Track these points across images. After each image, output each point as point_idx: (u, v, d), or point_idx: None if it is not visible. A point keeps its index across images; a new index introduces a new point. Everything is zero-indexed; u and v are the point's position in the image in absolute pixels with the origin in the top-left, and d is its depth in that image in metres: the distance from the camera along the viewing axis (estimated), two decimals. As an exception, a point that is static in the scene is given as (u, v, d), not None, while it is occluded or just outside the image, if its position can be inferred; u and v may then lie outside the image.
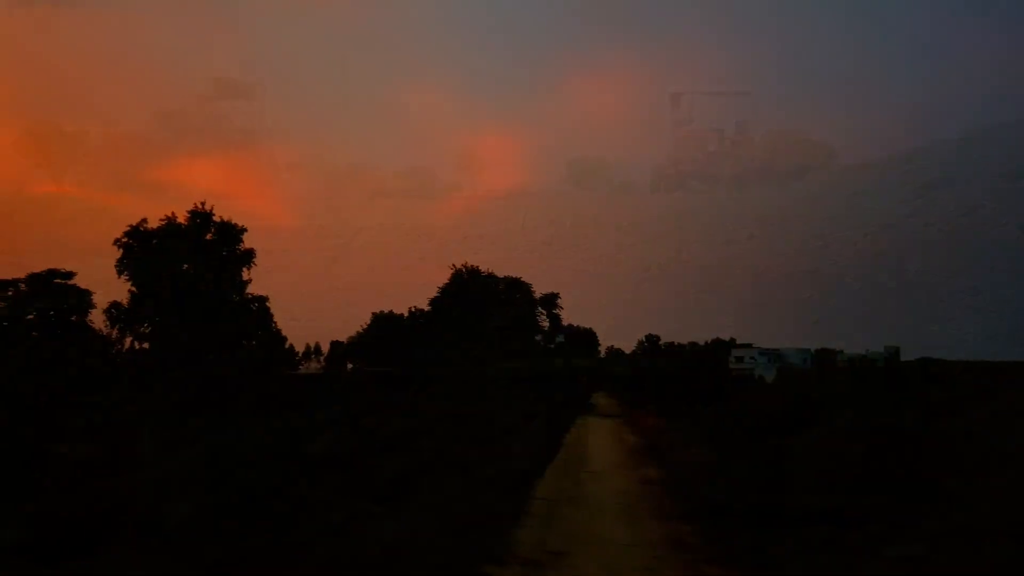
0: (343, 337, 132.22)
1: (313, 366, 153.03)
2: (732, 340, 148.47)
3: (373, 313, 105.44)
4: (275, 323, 57.78)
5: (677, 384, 51.34)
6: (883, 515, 12.02)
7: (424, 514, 13.08)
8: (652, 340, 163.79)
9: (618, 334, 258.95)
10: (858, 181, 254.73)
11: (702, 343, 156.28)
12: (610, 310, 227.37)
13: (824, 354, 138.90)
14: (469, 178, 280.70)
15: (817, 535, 11.44)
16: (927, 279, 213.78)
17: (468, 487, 15.89)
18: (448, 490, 15.35)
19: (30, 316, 59.37)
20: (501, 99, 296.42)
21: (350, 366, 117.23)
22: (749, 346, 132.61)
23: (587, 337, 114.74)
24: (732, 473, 16.73)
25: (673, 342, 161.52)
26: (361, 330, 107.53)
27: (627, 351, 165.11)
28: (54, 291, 59.67)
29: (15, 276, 60.06)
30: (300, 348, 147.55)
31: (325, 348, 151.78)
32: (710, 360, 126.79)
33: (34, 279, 59.71)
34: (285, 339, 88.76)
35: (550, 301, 74.41)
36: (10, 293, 59.84)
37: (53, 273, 60.43)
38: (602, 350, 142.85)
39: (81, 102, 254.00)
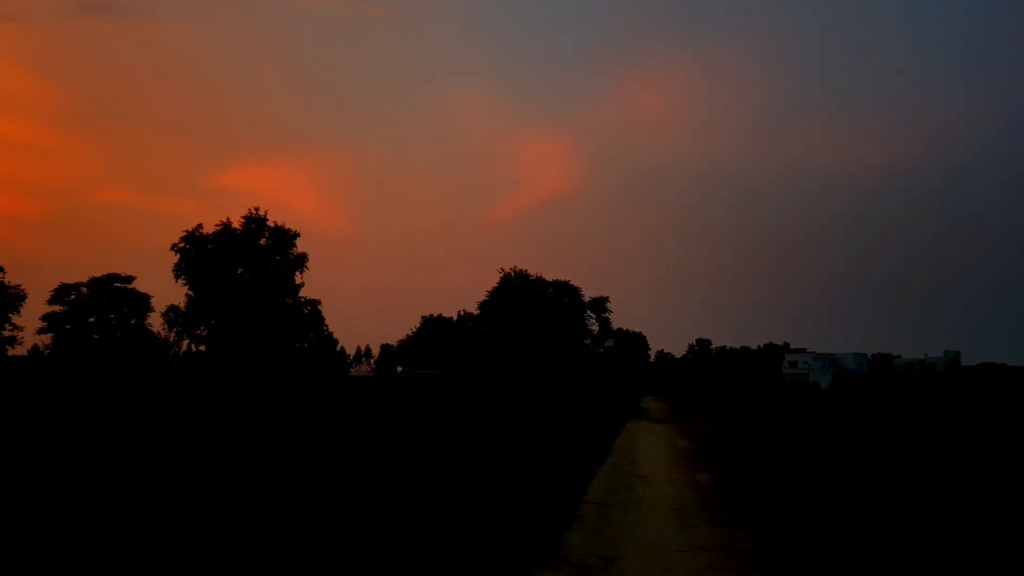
0: (393, 340, 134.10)
1: (364, 368, 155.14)
2: (786, 344, 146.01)
3: (422, 316, 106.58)
4: (327, 326, 58.65)
5: (728, 389, 50.58)
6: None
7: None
8: (703, 344, 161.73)
9: (668, 338, 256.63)
10: (918, 182, 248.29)
11: (755, 347, 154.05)
12: (661, 314, 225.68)
13: (881, 359, 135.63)
14: (518, 182, 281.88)
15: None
16: (992, 282, 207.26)
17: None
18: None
19: (91, 320, 61.38)
20: (550, 103, 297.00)
21: (400, 369, 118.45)
22: (803, 351, 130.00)
23: (637, 341, 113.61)
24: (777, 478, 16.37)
25: (725, 346, 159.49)
26: (410, 333, 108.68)
27: (677, 355, 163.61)
28: (115, 295, 61.58)
29: (77, 280, 62.28)
30: (351, 351, 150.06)
31: (375, 351, 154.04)
32: (762, 365, 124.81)
33: (95, 283, 61.73)
34: (336, 342, 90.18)
35: (599, 304, 73.75)
36: (72, 297, 61.95)
37: (113, 277, 62.35)
38: (652, 354, 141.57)
39: (140, 110, 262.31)
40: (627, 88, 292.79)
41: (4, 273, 61.81)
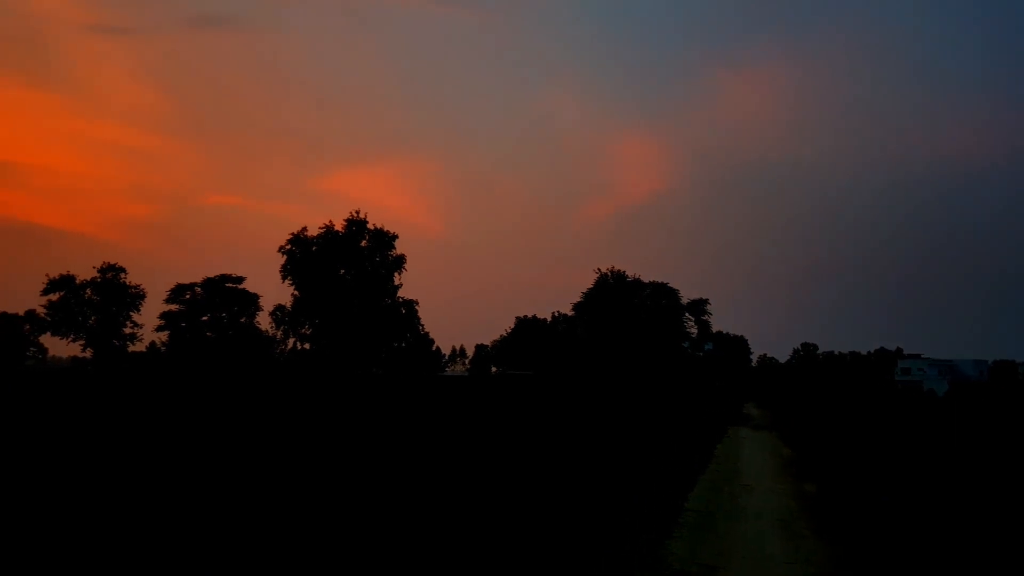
0: (487, 340, 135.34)
1: (459, 368, 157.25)
2: (898, 350, 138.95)
3: (517, 317, 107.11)
4: (422, 325, 59.67)
5: (837, 395, 48.38)
6: None
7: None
8: (809, 349, 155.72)
9: (772, 342, 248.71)
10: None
11: (864, 353, 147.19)
12: (764, 317, 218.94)
13: (1003, 366, 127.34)
14: (615, 182, 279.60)
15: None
16: None
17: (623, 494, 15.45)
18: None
19: (205, 318, 64.59)
20: (646, 102, 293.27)
21: (494, 369, 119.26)
22: (918, 357, 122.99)
23: (738, 345, 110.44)
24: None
25: (832, 351, 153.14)
26: (505, 334, 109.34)
27: (781, 360, 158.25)
28: (226, 295, 64.58)
29: (192, 280, 65.67)
30: (447, 350, 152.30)
31: (470, 351, 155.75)
32: (873, 372, 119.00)
33: (209, 283, 64.93)
34: (432, 341, 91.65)
35: (698, 307, 72.09)
36: (187, 296, 65.38)
37: (225, 278, 65.45)
38: (754, 359, 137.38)
39: (249, 118, 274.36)
40: (728, 85, 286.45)
41: (125, 274, 65.95)
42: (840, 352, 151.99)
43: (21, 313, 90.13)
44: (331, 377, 49.93)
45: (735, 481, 19.73)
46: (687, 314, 70.92)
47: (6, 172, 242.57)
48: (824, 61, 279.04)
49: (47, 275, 63.84)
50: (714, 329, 76.90)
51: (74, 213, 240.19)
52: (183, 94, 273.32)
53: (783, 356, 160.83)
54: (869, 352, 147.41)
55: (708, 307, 72.41)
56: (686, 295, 70.35)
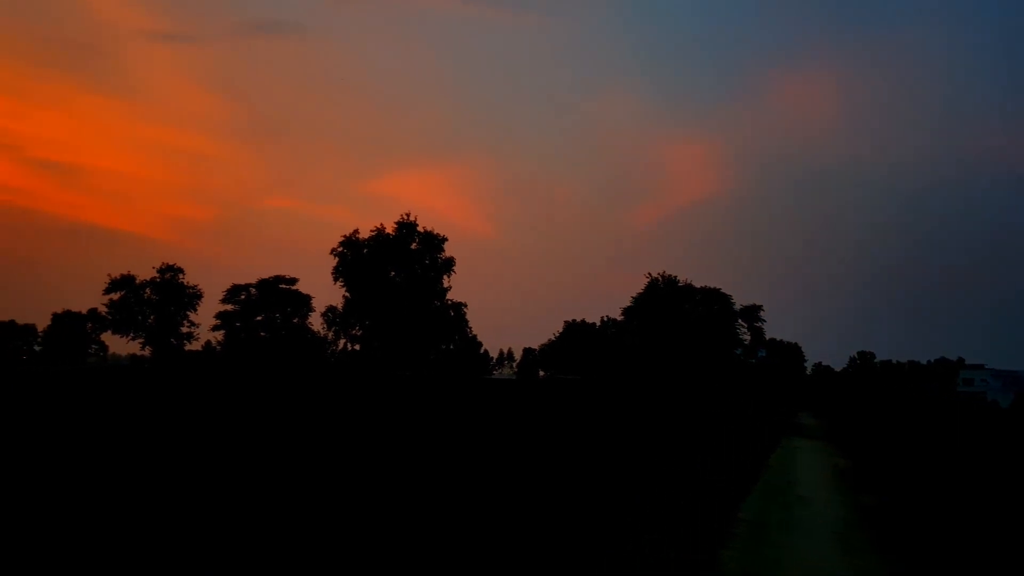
0: (536, 344, 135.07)
1: (506, 371, 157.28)
2: (960, 360, 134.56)
3: (565, 321, 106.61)
4: (471, 328, 59.86)
5: (894, 406, 47.00)
6: None
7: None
8: (866, 357, 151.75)
9: (827, 350, 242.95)
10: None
11: (924, 363, 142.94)
12: (819, 324, 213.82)
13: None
14: (666, 185, 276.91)
15: None
16: None
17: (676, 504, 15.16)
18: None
19: (259, 318, 65.90)
20: (698, 104, 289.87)
21: (542, 373, 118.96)
22: (981, 367, 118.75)
23: (792, 352, 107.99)
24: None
25: (891, 360, 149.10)
26: (553, 338, 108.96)
27: (837, 369, 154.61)
28: (280, 296, 65.82)
29: (247, 281, 67.03)
30: (495, 353, 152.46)
31: (518, 354, 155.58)
32: (933, 382, 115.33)
33: (263, 284, 66.23)
34: (480, 344, 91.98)
35: (752, 313, 70.69)
36: (242, 297, 66.77)
37: (279, 279, 66.70)
38: (808, 367, 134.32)
39: (302, 122, 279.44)
40: (782, 86, 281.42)
41: (183, 274, 67.63)
42: (898, 361, 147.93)
43: (84, 311, 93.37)
44: (384, 378, 50.42)
45: (789, 492, 19.24)
46: (740, 320, 69.68)
47: (71, 175, 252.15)
48: (885, 62, 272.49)
49: (109, 275, 65.92)
50: (768, 336, 75.23)
51: (135, 215, 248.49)
52: (240, 99, 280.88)
53: (839, 365, 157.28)
54: (929, 361, 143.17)
55: (762, 314, 71.01)
56: (739, 301, 69.18)
